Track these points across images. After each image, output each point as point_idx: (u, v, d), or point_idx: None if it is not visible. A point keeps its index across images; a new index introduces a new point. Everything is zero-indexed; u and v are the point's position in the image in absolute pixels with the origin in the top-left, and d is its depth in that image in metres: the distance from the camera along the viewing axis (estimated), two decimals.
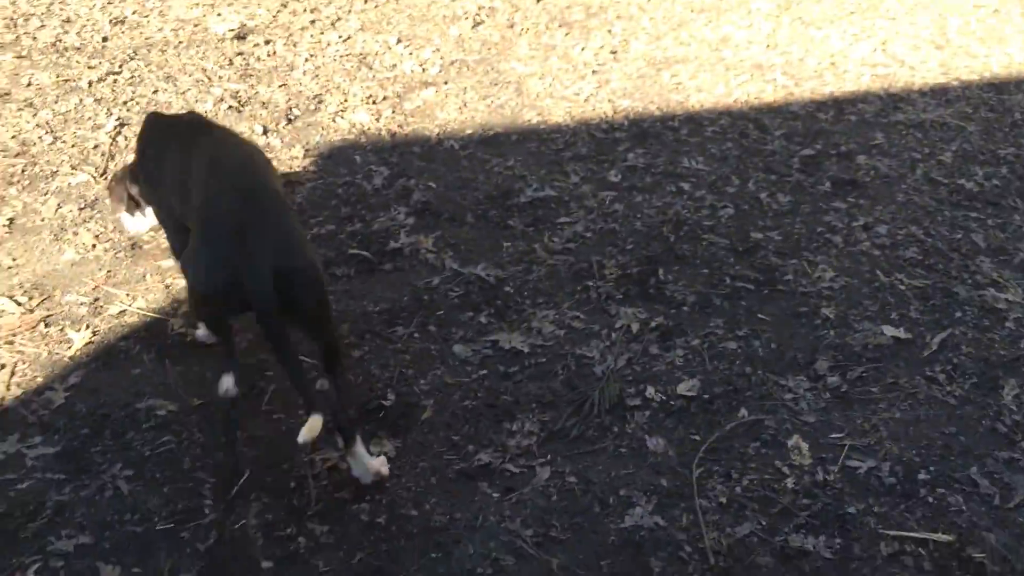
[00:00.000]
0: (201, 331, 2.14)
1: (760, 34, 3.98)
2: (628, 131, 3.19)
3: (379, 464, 1.81)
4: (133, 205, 2.30)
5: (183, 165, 1.90)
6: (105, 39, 3.44)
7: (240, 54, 3.45)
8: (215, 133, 2.01)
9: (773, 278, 2.46)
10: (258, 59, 3.44)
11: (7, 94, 3.05)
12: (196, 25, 3.60)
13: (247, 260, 1.61)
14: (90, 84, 3.15)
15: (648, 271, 2.47)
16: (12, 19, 3.49)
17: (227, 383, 1.79)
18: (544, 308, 2.32)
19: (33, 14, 3.54)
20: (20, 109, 2.99)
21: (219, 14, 3.70)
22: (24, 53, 3.29)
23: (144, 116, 2.22)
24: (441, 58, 3.57)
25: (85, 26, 3.51)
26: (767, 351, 2.20)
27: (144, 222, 2.32)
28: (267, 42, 3.55)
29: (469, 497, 1.79)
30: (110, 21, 3.56)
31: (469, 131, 3.13)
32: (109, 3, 3.69)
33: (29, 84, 3.12)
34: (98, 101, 3.08)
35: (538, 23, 3.95)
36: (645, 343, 2.22)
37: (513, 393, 2.06)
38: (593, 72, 3.58)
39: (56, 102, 3.04)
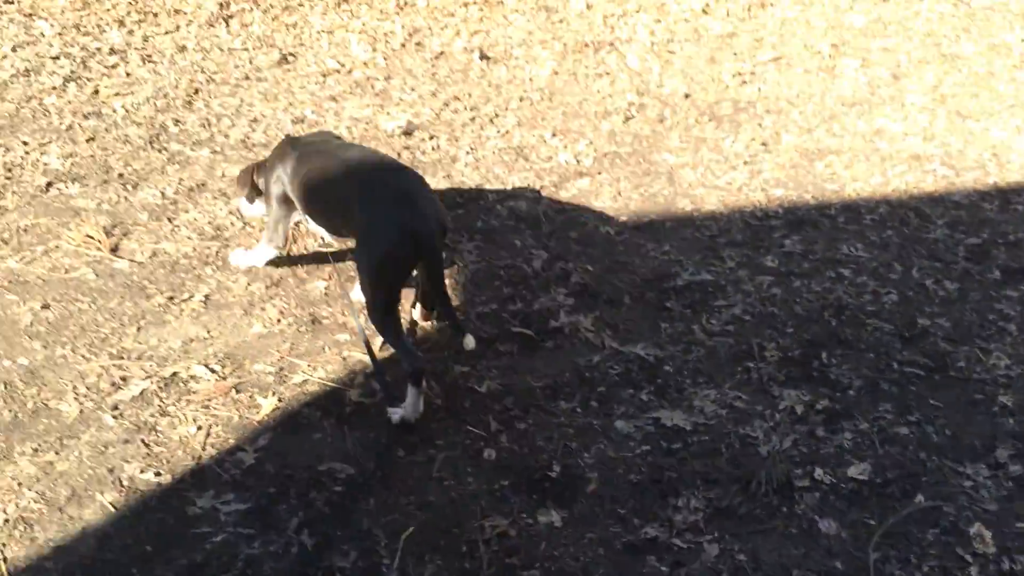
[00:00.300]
0: (396, 415, 2.27)
1: (916, 126, 3.95)
2: (783, 219, 3.20)
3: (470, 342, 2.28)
4: (254, 194, 2.87)
5: (327, 163, 2.55)
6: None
7: (407, 148, 3.70)
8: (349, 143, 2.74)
9: (944, 365, 2.39)
10: (423, 153, 3.69)
11: (203, 185, 3.37)
12: (367, 123, 3.90)
13: (423, 220, 2.26)
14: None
15: (810, 354, 2.45)
16: (207, 119, 3.88)
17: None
18: (705, 387, 2.33)
19: (224, 115, 3.93)
20: (215, 198, 3.29)
21: (388, 113, 3.99)
22: (218, 149, 3.64)
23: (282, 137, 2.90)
24: (594, 150, 3.72)
25: (270, 125, 3.86)
26: (942, 437, 2.13)
27: (257, 209, 2.91)
28: (431, 137, 3.80)
29: (637, 569, 1.79)
30: (292, 120, 3.90)
31: (624, 218, 3.23)
32: (291, 105, 4.05)
33: (223, 176, 3.44)
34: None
35: (687, 117, 4.06)
36: (811, 425, 2.19)
37: (677, 469, 2.06)
38: (745, 163, 3.63)
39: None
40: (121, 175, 3.42)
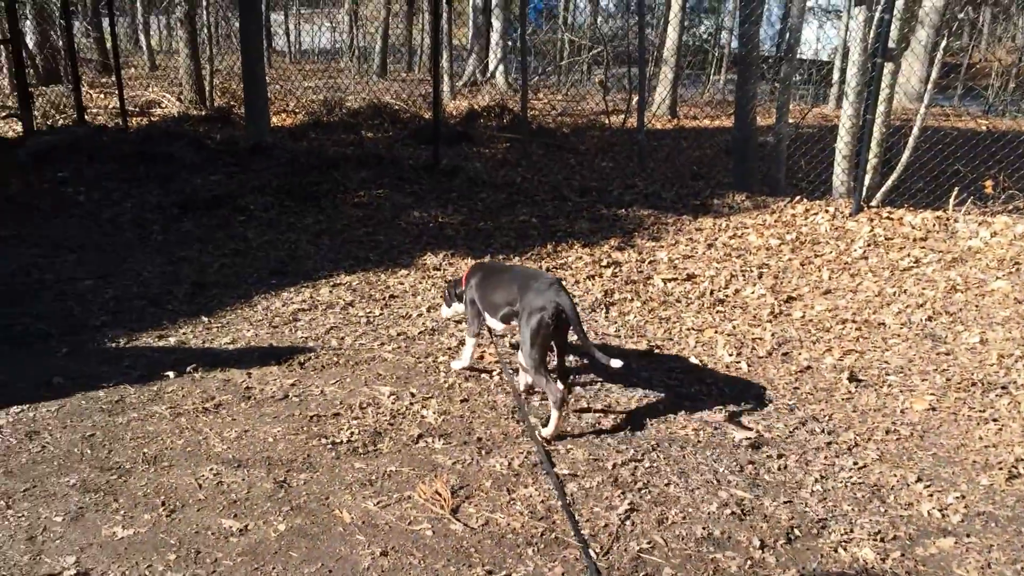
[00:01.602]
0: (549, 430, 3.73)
1: None
2: None
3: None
4: (451, 302, 4.44)
5: (501, 278, 4.01)
6: (635, 428, 3.86)
7: (752, 463, 3.59)
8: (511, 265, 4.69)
9: None
10: (768, 471, 3.54)
11: (535, 464, 3.54)
12: (716, 428, 3.87)
13: (565, 300, 3.62)
14: (614, 466, 3.52)
15: None
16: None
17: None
18: None
19: (583, 396, 4.16)
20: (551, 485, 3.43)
21: (739, 421, 3.94)
22: (568, 429, 3.84)
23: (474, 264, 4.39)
24: (965, 506, 3.28)
25: (622, 414, 4.00)
26: None
27: (450, 311, 4.51)
28: (780, 455, 3.65)
29: None
30: (643, 413, 4.01)
31: None
32: (645, 396, 4.18)
33: (568, 452, 3.59)
34: (615, 482, 3.41)
35: None
36: None
37: None
38: None
39: (583, 477, 3.44)
40: (480, 439, 3.74)
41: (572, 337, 3.78)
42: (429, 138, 9.81)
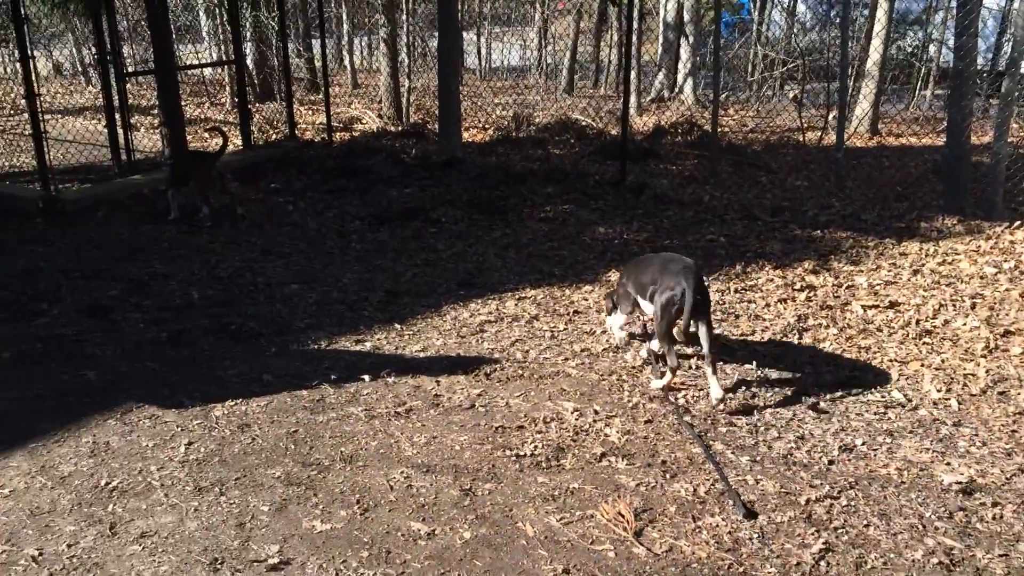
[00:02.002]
0: (655, 383, 4.41)
1: None
2: None
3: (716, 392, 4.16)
4: (610, 310, 4.88)
5: (649, 262, 4.49)
6: (831, 462, 3.66)
7: (963, 509, 3.30)
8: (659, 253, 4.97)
9: None
10: (981, 519, 3.24)
11: (726, 492, 3.41)
12: (922, 470, 3.59)
13: (690, 285, 4.02)
14: (807, 501, 3.34)
15: None
16: (756, 426, 3.98)
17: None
18: None
19: (773, 425, 3.99)
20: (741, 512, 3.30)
21: (948, 463, 3.64)
22: (757, 459, 3.69)
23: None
24: None
25: (815, 446, 3.80)
26: None
27: (612, 321, 4.90)
28: (995, 504, 3.34)
29: None
30: (839, 447, 3.79)
31: None
32: (843, 430, 3.95)
33: (757, 483, 3.45)
34: (809, 519, 3.23)
35: None
36: None
37: None
38: None
39: (774, 510, 3.29)
40: (664, 461, 3.66)
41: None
42: (615, 154, 9.80)
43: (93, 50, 12.84)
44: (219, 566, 2.97)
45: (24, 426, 3.97)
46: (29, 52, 8.04)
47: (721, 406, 4.14)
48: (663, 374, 4.35)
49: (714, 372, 4.17)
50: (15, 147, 10.78)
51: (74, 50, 19.98)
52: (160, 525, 3.20)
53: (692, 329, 4.15)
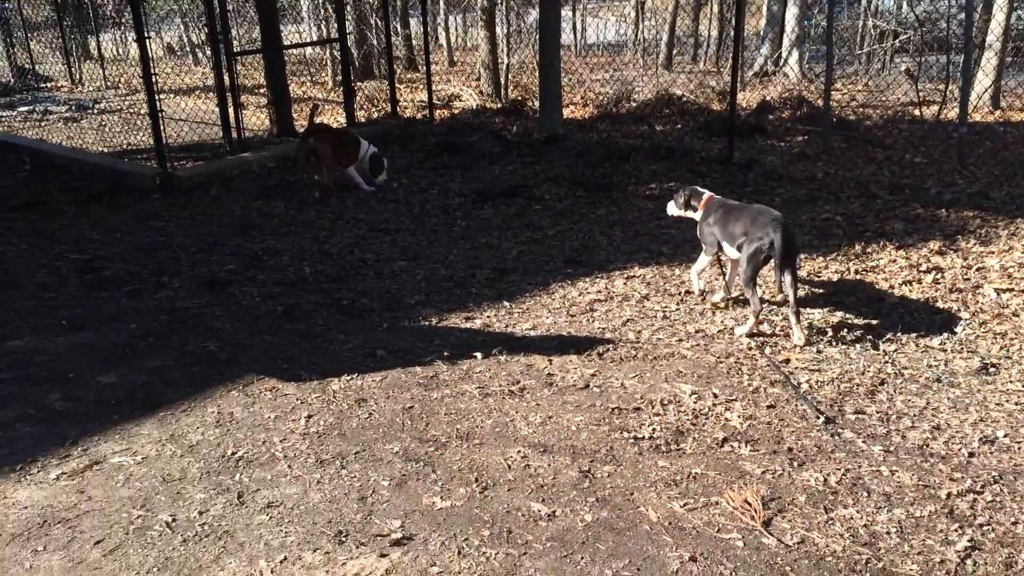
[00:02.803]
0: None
1: None
2: None
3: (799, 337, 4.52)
4: (684, 208, 5.21)
5: (739, 214, 4.75)
6: (972, 455, 3.45)
7: None
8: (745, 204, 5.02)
9: None
10: None
11: (861, 481, 3.25)
12: None
13: (779, 236, 4.39)
14: (948, 496, 3.16)
15: None
16: (887, 414, 3.79)
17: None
18: None
19: (906, 414, 3.79)
20: (877, 503, 3.14)
21: None
22: (891, 449, 3.51)
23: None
24: None
25: (954, 436, 3.59)
26: None
27: (679, 213, 5.27)
28: None
29: None
30: (979, 439, 3.57)
31: None
32: (981, 420, 3.73)
33: (892, 475, 3.28)
34: (951, 514, 3.06)
35: None
36: None
37: None
38: None
39: (912, 504, 3.12)
40: (791, 449, 3.52)
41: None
42: (720, 130, 9.53)
43: (203, 31, 13.19)
44: (344, 539, 2.99)
45: (153, 395, 4.10)
46: (144, 32, 8.29)
47: (799, 347, 4.49)
48: (746, 319, 4.70)
49: (797, 321, 4.53)
50: (132, 126, 11.19)
51: (183, 32, 20.62)
52: (285, 496, 3.25)
53: (781, 278, 4.52)
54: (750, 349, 4.49)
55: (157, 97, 8.42)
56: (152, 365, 4.44)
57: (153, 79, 8.39)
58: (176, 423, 3.83)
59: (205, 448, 3.62)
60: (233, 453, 3.57)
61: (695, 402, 3.93)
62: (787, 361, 4.33)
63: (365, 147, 8.06)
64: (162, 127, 8.47)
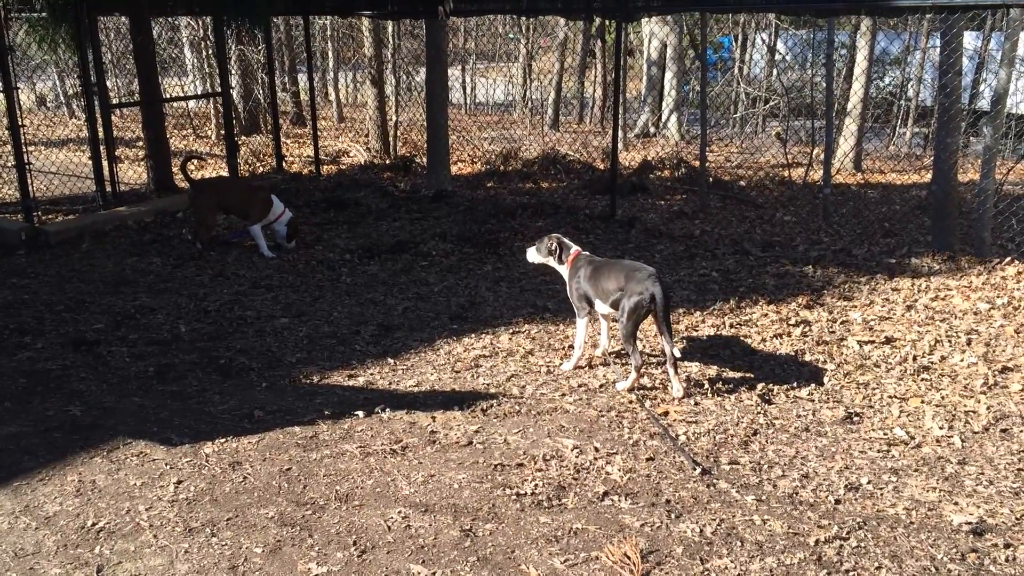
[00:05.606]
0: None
1: None
2: None
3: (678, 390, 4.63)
4: (545, 255, 5.16)
5: (611, 269, 4.80)
6: (838, 502, 3.59)
7: (975, 551, 3.23)
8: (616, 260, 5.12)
9: None
10: (994, 561, 3.18)
11: (736, 531, 3.33)
12: (930, 509, 3.53)
13: (659, 290, 4.49)
14: (816, 543, 3.27)
15: None
16: (759, 464, 3.91)
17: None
18: None
19: (777, 463, 3.92)
20: (751, 553, 3.22)
21: (956, 503, 3.58)
22: (763, 498, 3.62)
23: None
24: None
25: (821, 485, 3.73)
26: None
27: (539, 260, 5.27)
28: (1007, 546, 3.27)
29: None
30: (845, 486, 3.72)
31: None
32: (847, 468, 3.89)
33: (764, 523, 3.37)
34: (819, 561, 3.16)
35: None
36: None
37: None
38: None
39: (783, 552, 3.21)
40: (668, 501, 3.58)
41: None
42: (603, 188, 9.81)
43: (77, 81, 12.75)
44: None
45: (8, 463, 3.83)
46: (13, 83, 7.96)
47: (678, 400, 4.60)
48: (627, 375, 4.79)
49: (676, 373, 4.64)
50: None
51: (57, 82, 19.87)
52: (149, 568, 3.08)
53: (663, 330, 4.60)
54: (631, 403, 4.57)
55: (25, 149, 8.06)
56: (8, 432, 4.16)
57: (21, 131, 8.02)
58: (32, 493, 3.59)
59: (63, 519, 3.39)
60: (94, 524, 3.36)
61: (577, 456, 3.95)
62: (666, 414, 4.43)
63: (280, 208, 7.80)
64: (29, 180, 8.09)
